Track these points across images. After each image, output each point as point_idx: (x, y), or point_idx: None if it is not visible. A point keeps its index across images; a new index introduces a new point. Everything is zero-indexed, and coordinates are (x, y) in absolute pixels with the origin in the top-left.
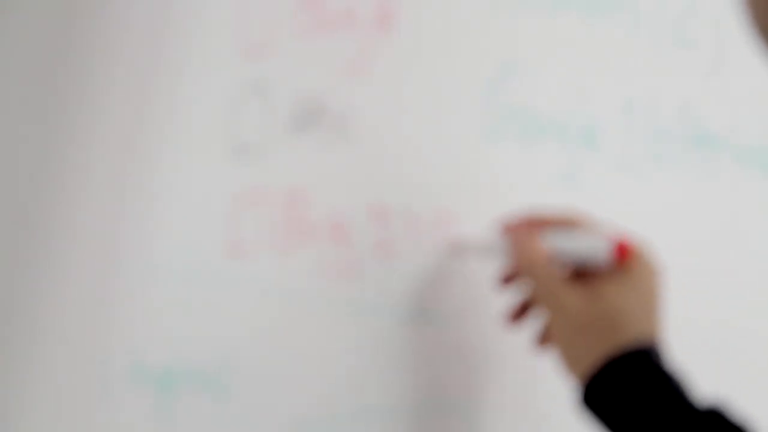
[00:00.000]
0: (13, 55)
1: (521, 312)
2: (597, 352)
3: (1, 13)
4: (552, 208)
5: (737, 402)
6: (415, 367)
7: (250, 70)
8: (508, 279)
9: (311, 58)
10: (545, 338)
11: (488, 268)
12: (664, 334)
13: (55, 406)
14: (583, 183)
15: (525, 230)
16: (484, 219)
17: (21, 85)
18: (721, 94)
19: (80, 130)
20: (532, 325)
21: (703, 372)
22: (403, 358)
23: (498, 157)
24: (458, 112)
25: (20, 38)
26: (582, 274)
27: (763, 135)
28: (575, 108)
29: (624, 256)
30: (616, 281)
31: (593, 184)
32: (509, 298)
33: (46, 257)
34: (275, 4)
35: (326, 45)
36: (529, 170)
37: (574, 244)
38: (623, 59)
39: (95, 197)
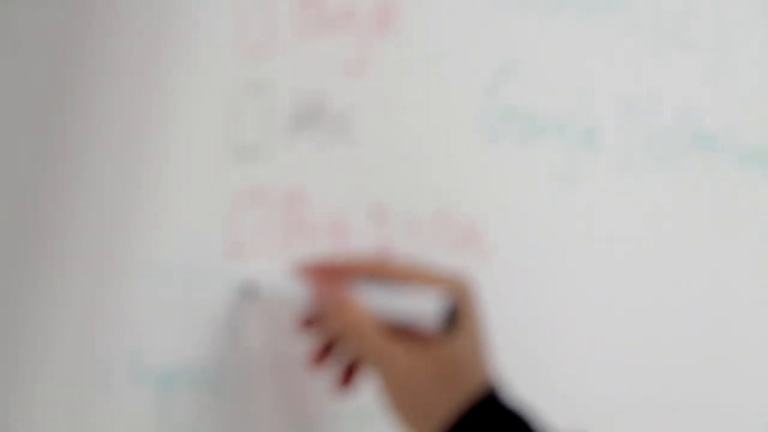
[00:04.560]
0: (13, 55)
1: (348, 374)
2: (441, 409)
3: (1, 13)
4: (358, 253)
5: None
6: None
7: (250, 70)
8: (310, 323)
9: (311, 58)
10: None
11: (490, 269)
12: (494, 365)
13: (55, 406)
14: (582, 183)
15: (337, 285)
16: (484, 219)
17: (21, 85)
18: (721, 94)
19: (80, 130)
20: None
21: (701, 374)
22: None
23: (498, 157)
24: (458, 111)
25: (20, 38)
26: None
27: (763, 135)
28: (575, 108)
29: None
30: (446, 334)
31: (593, 184)
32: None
33: (46, 257)
34: (275, 4)
35: (326, 45)
36: (529, 170)
37: (399, 305)
38: (623, 59)
39: (95, 197)
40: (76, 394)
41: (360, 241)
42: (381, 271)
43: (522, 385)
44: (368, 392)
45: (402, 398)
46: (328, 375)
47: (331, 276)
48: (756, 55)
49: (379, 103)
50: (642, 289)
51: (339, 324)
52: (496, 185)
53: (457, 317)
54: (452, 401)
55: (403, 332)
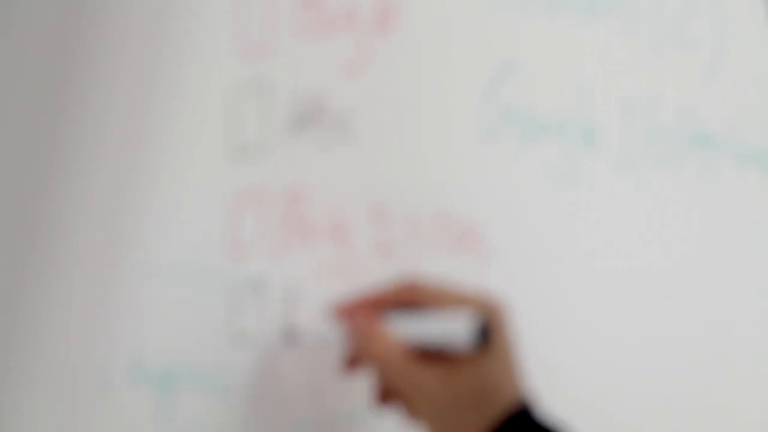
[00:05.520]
0: (12, 56)
1: (385, 397)
2: (473, 427)
3: (1, 13)
4: (387, 286)
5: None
6: None
7: (250, 70)
8: (353, 363)
9: (311, 58)
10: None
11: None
12: (526, 382)
13: (55, 406)
14: (582, 183)
15: (366, 318)
16: (484, 219)
17: (20, 85)
18: (721, 94)
19: (80, 130)
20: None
21: (700, 373)
22: None
23: (498, 157)
24: (458, 111)
25: (19, 39)
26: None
27: (763, 135)
28: (575, 108)
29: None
30: (477, 355)
31: (593, 184)
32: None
33: (46, 257)
34: (275, 4)
35: (326, 45)
36: (529, 170)
37: (429, 330)
38: (623, 59)
39: (95, 197)
40: (76, 394)
41: (360, 241)
42: (411, 298)
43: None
44: (369, 393)
45: (434, 419)
46: (330, 373)
47: (362, 311)
48: (756, 55)
49: (379, 103)
50: (642, 289)
51: (368, 354)
52: (496, 185)
53: (488, 338)
54: (483, 420)
55: (435, 356)
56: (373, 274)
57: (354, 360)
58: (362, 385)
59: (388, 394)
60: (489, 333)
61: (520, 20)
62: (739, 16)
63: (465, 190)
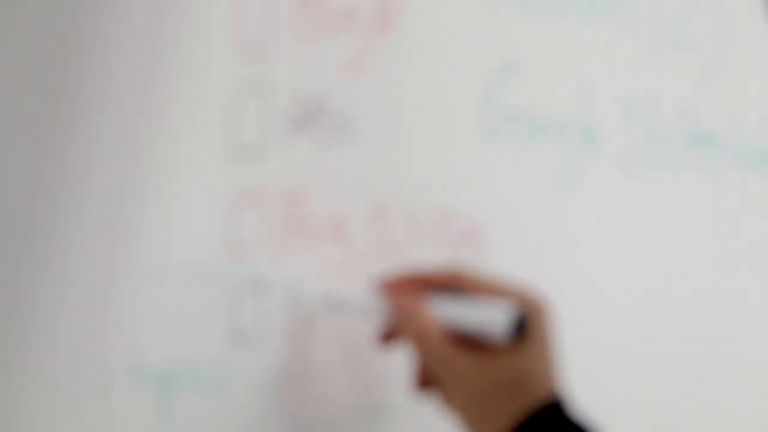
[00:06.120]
0: (12, 56)
1: (423, 380)
2: (504, 417)
3: (1, 13)
4: (434, 266)
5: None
6: None
7: (250, 70)
8: (389, 337)
9: (311, 58)
10: (446, 401)
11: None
12: (563, 380)
13: (55, 406)
14: (582, 183)
15: (410, 296)
16: (484, 219)
17: (20, 85)
18: (721, 94)
19: (80, 130)
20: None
21: (699, 373)
22: (405, 357)
23: (498, 157)
24: (458, 111)
25: (19, 39)
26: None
27: (763, 135)
28: (575, 108)
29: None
30: (512, 346)
31: (593, 184)
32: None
33: (46, 257)
34: (275, 4)
35: (326, 45)
36: (529, 170)
37: (467, 316)
38: (623, 59)
39: (95, 197)
40: (76, 394)
41: (360, 240)
42: (455, 283)
43: None
44: (369, 392)
45: (466, 405)
46: (330, 373)
47: (406, 288)
48: (756, 55)
49: (379, 103)
50: (642, 289)
51: (408, 332)
52: (496, 185)
53: (526, 330)
54: (516, 409)
55: (471, 342)
56: (373, 274)
57: (390, 334)
58: (359, 390)
59: (426, 380)
60: (526, 326)
61: (520, 20)
62: (739, 16)
63: (465, 190)
